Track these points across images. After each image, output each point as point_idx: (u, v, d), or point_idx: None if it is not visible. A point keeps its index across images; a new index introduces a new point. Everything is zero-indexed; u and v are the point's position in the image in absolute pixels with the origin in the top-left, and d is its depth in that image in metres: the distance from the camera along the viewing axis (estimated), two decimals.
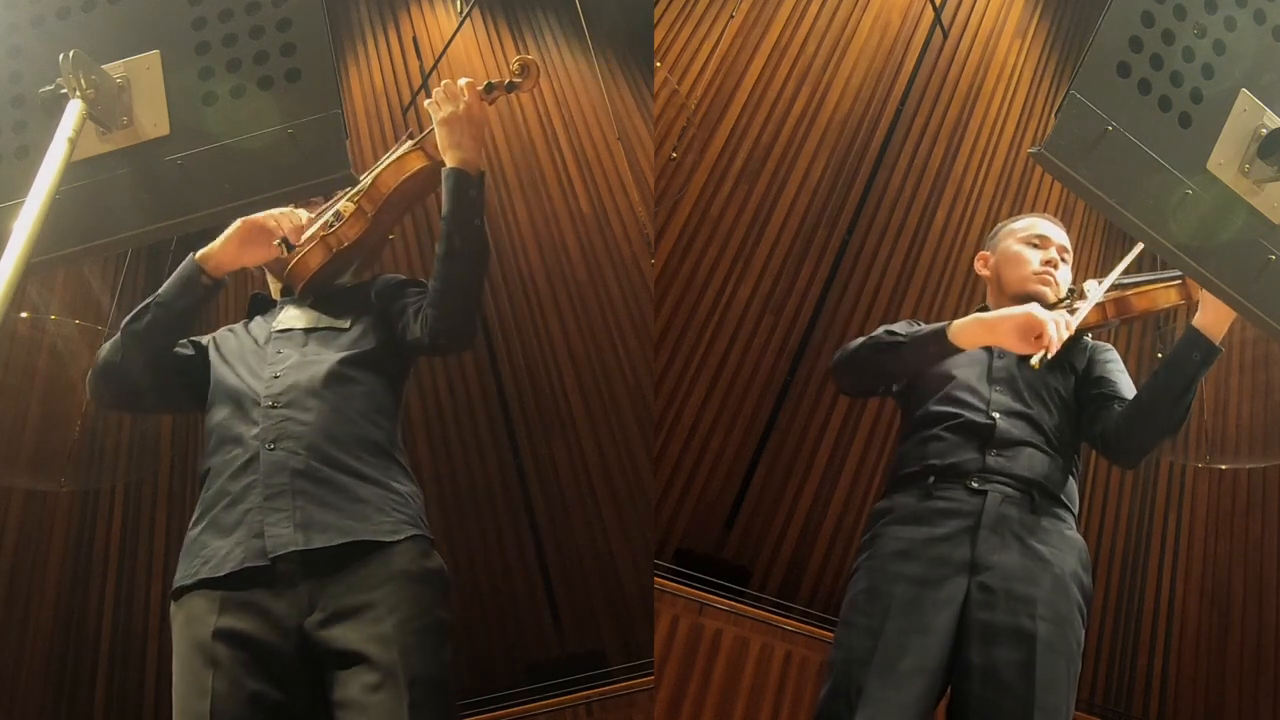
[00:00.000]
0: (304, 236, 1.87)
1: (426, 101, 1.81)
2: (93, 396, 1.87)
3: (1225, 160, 1.13)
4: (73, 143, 1.07)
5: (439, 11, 6.67)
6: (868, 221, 5.98)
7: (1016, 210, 6.24)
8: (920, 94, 6.10)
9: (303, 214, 1.92)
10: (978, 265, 2.17)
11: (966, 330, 1.86)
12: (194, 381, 1.90)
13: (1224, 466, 5.66)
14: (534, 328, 6.23)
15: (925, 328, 1.93)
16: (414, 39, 6.52)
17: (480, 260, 1.78)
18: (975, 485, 1.84)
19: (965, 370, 1.99)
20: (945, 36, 6.09)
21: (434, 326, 1.76)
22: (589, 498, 6.07)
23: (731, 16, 5.79)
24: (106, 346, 1.84)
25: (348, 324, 1.88)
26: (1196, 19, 1.13)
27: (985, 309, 2.13)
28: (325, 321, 1.89)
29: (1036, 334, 1.79)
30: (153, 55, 1.19)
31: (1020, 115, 6.35)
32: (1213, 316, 1.76)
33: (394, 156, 1.87)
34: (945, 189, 6.07)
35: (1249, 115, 1.14)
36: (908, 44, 6.11)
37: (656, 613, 4.42)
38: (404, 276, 1.97)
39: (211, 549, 1.67)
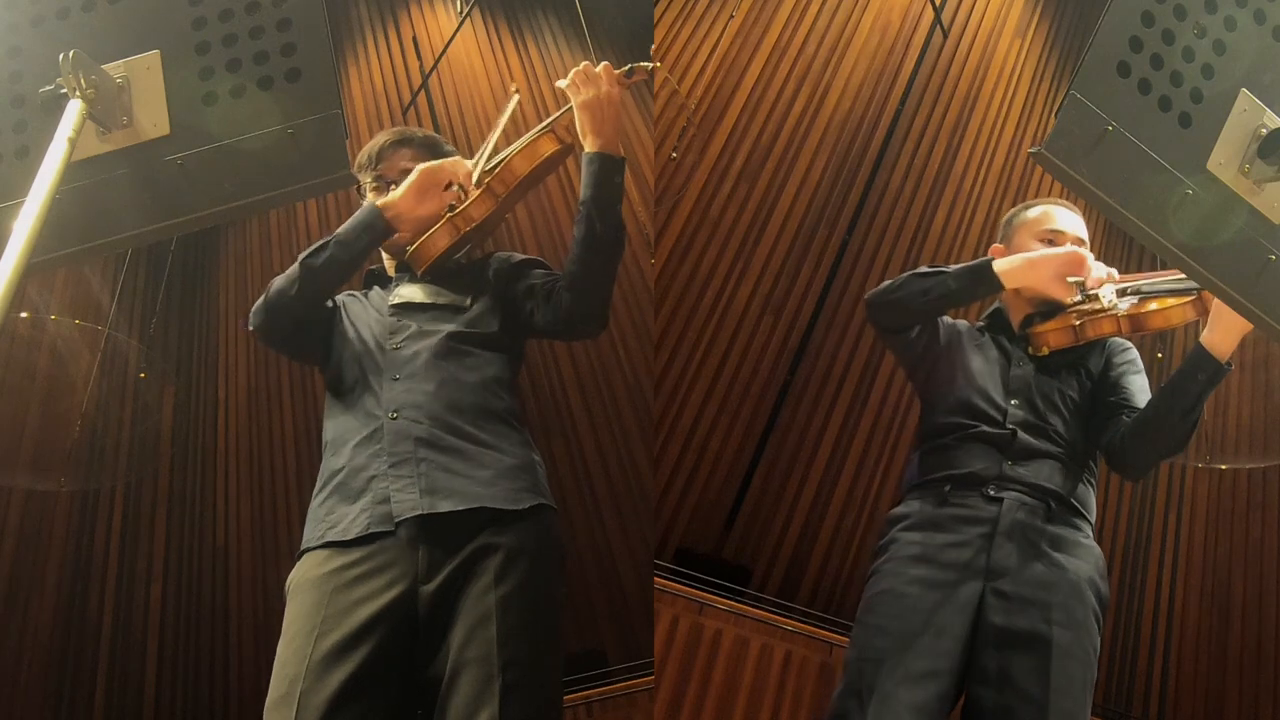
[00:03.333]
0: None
1: (561, 83, 1.80)
2: (255, 328, 1.85)
3: (1225, 160, 1.13)
4: (73, 143, 1.07)
5: (439, 11, 6.67)
6: (868, 221, 5.98)
7: None
8: (920, 94, 6.10)
9: (469, 163, 1.91)
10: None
11: (1012, 267, 1.87)
12: (327, 336, 1.90)
13: (1224, 466, 5.66)
14: None
15: (968, 263, 1.92)
16: (414, 39, 6.52)
17: (619, 246, 1.77)
18: (992, 493, 1.84)
19: (981, 379, 1.98)
20: (945, 36, 6.09)
21: (570, 310, 1.76)
22: (589, 498, 6.07)
23: (731, 16, 5.79)
24: (279, 279, 1.82)
25: (468, 301, 1.88)
26: (1196, 19, 1.13)
27: (1000, 310, 2.11)
28: (445, 298, 1.88)
29: (1078, 273, 1.82)
30: (153, 55, 1.19)
31: (1020, 115, 6.35)
32: (1221, 334, 1.75)
33: (525, 141, 1.85)
34: (945, 189, 6.07)
35: (1249, 115, 1.14)
36: (908, 44, 6.11)
37: (656, 613, 4.42)
38: (521, 255, 1.96)
39: (338, 514, 1.68)
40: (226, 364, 6.36)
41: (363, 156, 1.96)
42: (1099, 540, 1.91)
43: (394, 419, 1.70)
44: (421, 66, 6.40)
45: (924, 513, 1.89)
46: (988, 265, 1.89)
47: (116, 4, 1.21)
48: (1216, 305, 1.75)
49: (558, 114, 1.84)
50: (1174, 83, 1.11)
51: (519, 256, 1.95)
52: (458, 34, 6.37)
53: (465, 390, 1.75)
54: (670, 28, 5.74)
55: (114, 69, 1.17)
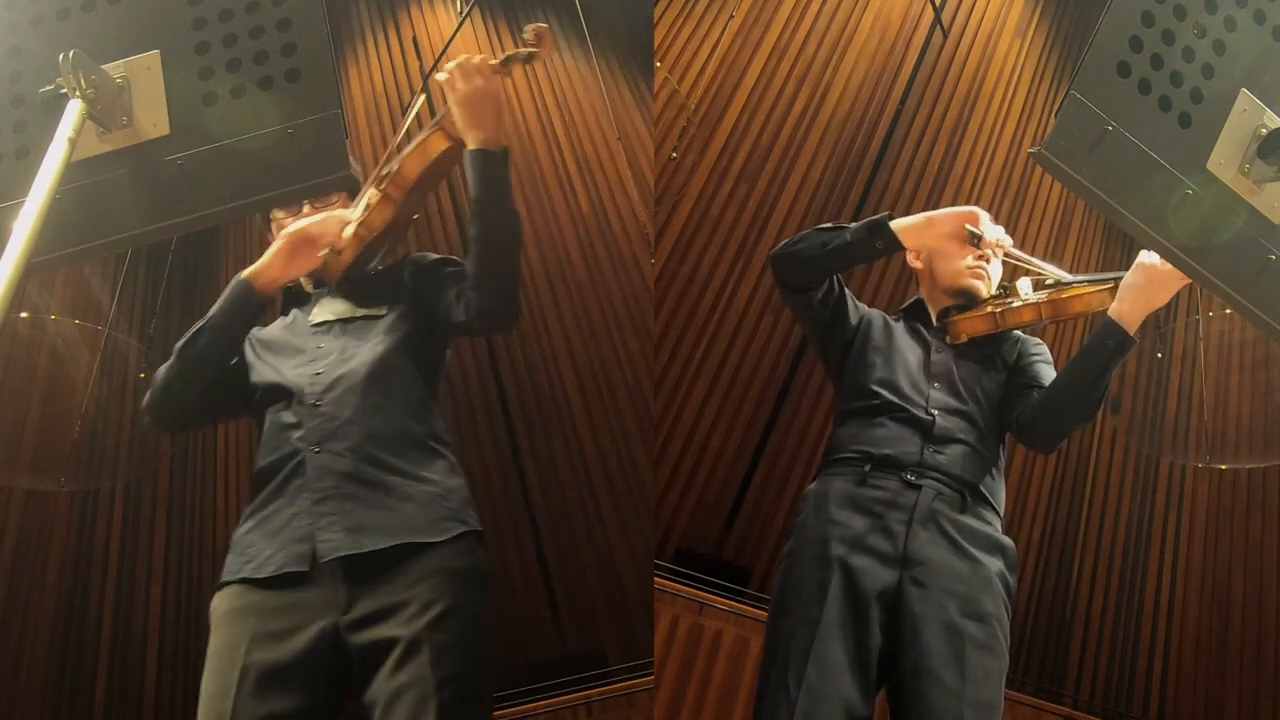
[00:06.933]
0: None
1: (439, 75, 1.77)
2: (152, 421, 1.85)
3: (1225, 160, 1.13)
4: (73, 143, 1.07)
5: (439, 11, 6.67)
6: None
7: (1017, 210, 6.25)
8: (920, 94, 6.10)
9: (343, 213, 1.88)
10: (910, 258, 2.16)
11: (909, 224, 1.92)
12: (245, 389, 1.88)
13: (1224, 466, 5.66)
14: (534, 328, 6.23)
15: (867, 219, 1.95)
16: (414, 39, 6.52)
17: (514, 239, 1.75)
18: (911, 479, 1.84)
19: (903, 362, 2.00)
20: (945, 36, 6.09)
21: (479, 309, 1.74)
22: (589, 498, 6.07)
23: (731, 16, 5.79)
24: (161, 371, 1.81)
25: (384, 311, 1.87)
26: (1196, 19, 1.13)
27: (920, 302, 2.13)
28: (361, 311, 1.87)
29: (974, 224, 1.87)
30: (153, 55, 1.19)
31: (1020, 115, 6.35)
32: (1129, 306, 1.78)
33: (416, 141, 1.83)
34: (945, 189, 6.07)
35: (1249, 115, 1.14)
36: (908, 44, 6.11)
37: (656, 613, 4.42)
38: (436, 255, 1.94)
39: (256, 549, 1.67)
40: None
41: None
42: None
43: (316, 453, 1.69)
44: (421, 66, 6.40)
45: (843, 491, 1.88)
46: (885, 221, 1.91)
47: (116, 4, 1.21)
48: (1125, 280, 1.80)
49: (446, 110, 1.80)
50: (1174, 83, 1.11)
51: (433, 256, 1.94)
52: (458, 34, 6.37)
53: (388, 419, 1.74)
54: (670, 28, 5.74)
55: (114, 69, 1.17)
